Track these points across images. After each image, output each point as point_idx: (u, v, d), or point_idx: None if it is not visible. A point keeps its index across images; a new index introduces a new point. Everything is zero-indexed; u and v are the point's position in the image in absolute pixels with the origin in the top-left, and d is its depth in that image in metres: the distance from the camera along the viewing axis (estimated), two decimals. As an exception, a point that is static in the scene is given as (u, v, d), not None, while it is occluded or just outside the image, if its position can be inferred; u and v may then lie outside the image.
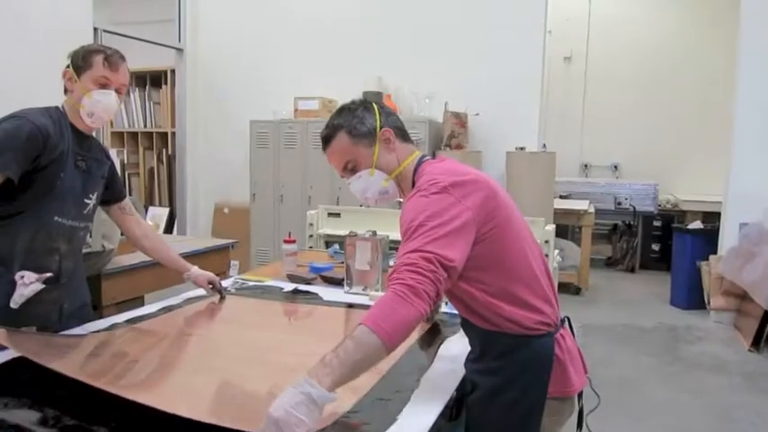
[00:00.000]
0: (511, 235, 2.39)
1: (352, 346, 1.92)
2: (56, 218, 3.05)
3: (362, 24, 9.50)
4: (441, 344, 3.01)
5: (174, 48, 10.25)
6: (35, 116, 2.95)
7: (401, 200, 2.58)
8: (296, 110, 9.20)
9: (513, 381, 2.38)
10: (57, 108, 3.14)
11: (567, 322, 2.56)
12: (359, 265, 4.03)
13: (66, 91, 3.15)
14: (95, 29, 8.04)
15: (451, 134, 8.40)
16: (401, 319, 1.97)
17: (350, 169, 2.62)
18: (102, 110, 3.10)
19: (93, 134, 3.31)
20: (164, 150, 11.23)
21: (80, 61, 3.09)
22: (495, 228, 2.32)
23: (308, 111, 9.10)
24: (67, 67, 3.13)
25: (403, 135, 2.66)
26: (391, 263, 4.60)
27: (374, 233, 4.02)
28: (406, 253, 2.11)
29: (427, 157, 2.63)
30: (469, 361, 2.58)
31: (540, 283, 2.44)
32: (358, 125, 2.57)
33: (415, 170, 2.57)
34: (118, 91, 3.13)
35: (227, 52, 10.40)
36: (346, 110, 2.64)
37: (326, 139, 2.63)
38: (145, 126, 11.27)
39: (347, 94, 9.31)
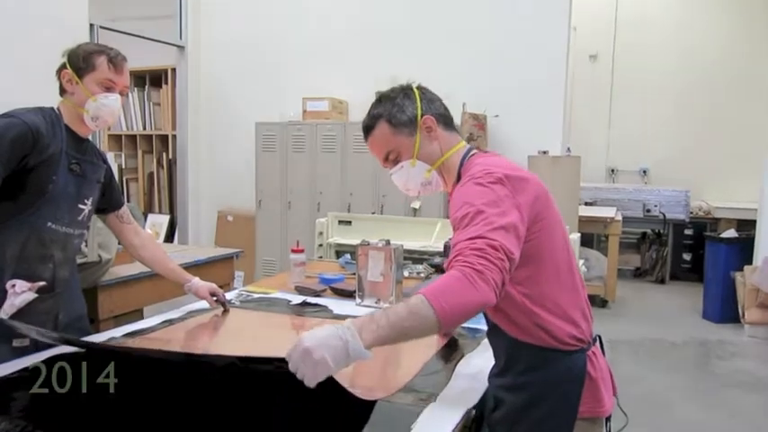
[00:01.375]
0: (557, 240, 2.41)
1: (405, 313, 1.95)
2: (49, 224, 3.07)
3: (375, 21, 9.49)
4: (460, 359, 3.01)
5: (174, 45, 10.27)
6: (26, 115, 2.98)
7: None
8: (304, 111, 9.21)
9: (542, 398, 2.38)
10: (51, 109, 3.16)
11: (598, 340, 2.56)
12: (371, 276, 4.00)
13: (62, 92, 3.18)
14: (91, 25, 8.06)
15: (470, 137, 8.39)
16: (463, 302, 1.96)
17: (391, 160, 2.63)
18: (108, 114, 3.16)
19: (90, 137, 3.33)
20: (164, 154, 11.25)
21: (81, 62, 3.12)
22: (543, 230, 2.34)
23: (318, 112, 9.12)
24: (64, 66, 3.16)
25: (446, 123, 2.64)
26: (406, 273, 4.62)
27: (388, 242, 4.01)
28: (470, 239, 2.09)
29: (475, 150, 2.62)
30: (493, 375, 2.58)
31: (580, 295, 2.45)
32: (398, 114, 2.58)
33: (462, 162, 2.56)
34: (121, 93, 3.18)
35: (231, 50, 10.42)
36: (386, 98, 2.64)
37: (367, 130, 2.66)
38: (144, 128, 11.28)
39: (358, 94, 9.38)
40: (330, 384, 1.97)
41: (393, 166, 2.64)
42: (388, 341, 1.94)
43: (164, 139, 11.20)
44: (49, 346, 2.85)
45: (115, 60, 3.15)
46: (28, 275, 3.03)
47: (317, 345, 1.85)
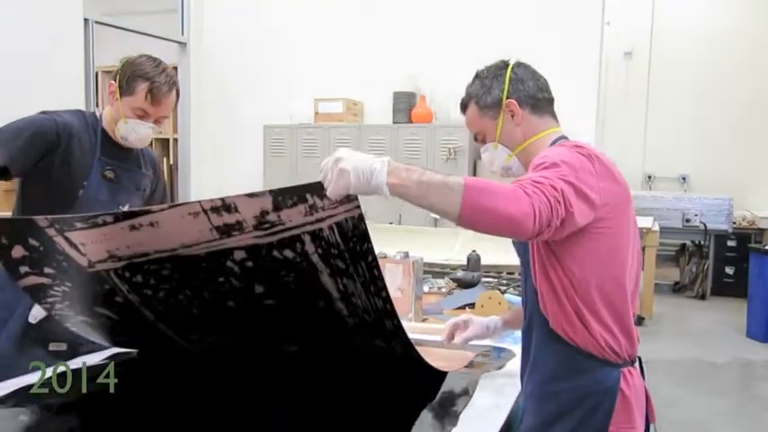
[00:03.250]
0: (618, 252, 2.47)
1: (438, 180, 2.05)
2: None
3: (393, 15, 9.49)
4: (484, 377, 3.03)
5: (176, 42, 10.31)
6: (62, 114, 3.25)
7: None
8: (316, 113, 9.25)
9: (569, 411, 2.43)
10: (93, 114, 3.44)
11: (638, 362, 2.59)
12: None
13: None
14: (86, 20, 8.09)
15: (494, 141, 8.41)
16: (495, 206, 2.04)
17: (480, 140, 2.78)
18: (136, 140, 3.39)
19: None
20: (165, 159, 11.29)
21: (125, 82, 3.32)
22: (610, 229, 2.41)
23: (331, 114, 9.15)
24: (114, 77, 3.36)
25: (535, 106, 2.71)
26: (426, 288, 4.65)
27: (406, 255, 4.04)
28: (536, 176, 2.19)
29: (566, 139, 2.68)
30: (523, 380, 2.66)
31: (625, 315, 2.50)
32: (484, 95, 2.70)
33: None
34: (156, 122, 3.40)
35: (236, 47, 10.44)
36: (479, 76, 2.78)
37: (461, 108, 2.82)
38: (143, 131, 11.21)
39: (375, 94, 9.42)
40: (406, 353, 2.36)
41: (482, 145, 2.77)
42: (407, 194, 2.04)
43: (164, 143, 11.27)
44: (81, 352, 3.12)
45: (155, 92, 3.31)
46: None
47: (349, 158, 2.01)
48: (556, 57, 8.79)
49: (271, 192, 2.20)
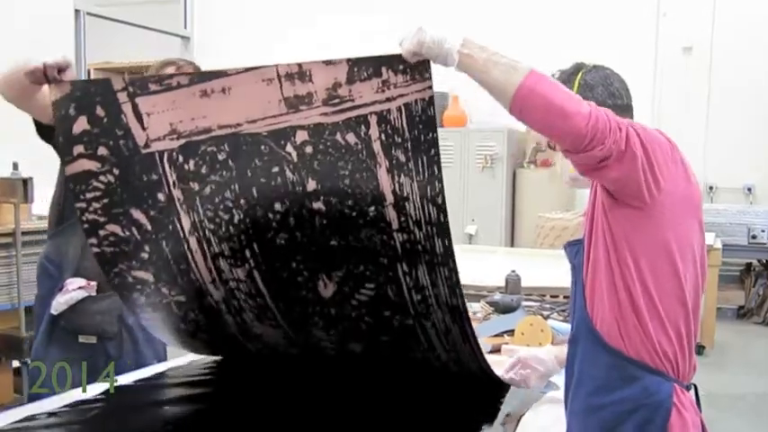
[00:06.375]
0: (682, 248, 2.51)
1: (504, 62, 2.33)
2: None
3: (426, 10, 9.48)
4: (524, 414, 3.06)
5: (177, 36, 10.34)
6: None
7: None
8: (335, 115, 9.25)
9: (615, 427, 2.47)
10: None
11: (693, 390, 2.60)
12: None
13: None
14: (77, 11, 8.13)
15: (537, 147, 8.43)
16: (552, 95, 2.26)
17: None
18: None
19: None
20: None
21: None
22: (669, 222, 2.47)
23: (351, 117, 9.15)
24: None
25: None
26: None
27: (438, 275, 4.04)
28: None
29: None
30: (568, 393, 2.71)
31: (689, 327, 2.53)
32: None
33: None
34: None
35: (244, 42, 10.46)
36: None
37: None
38: (141, 136, 11.26)
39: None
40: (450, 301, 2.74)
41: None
42: (473, 66, 2.36)
43: (164, 149, 11.24)
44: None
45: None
46: (88, 275, 3.51)
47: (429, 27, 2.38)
48: (606, 51, 8.79)
49: (348, 60, 2.52)
